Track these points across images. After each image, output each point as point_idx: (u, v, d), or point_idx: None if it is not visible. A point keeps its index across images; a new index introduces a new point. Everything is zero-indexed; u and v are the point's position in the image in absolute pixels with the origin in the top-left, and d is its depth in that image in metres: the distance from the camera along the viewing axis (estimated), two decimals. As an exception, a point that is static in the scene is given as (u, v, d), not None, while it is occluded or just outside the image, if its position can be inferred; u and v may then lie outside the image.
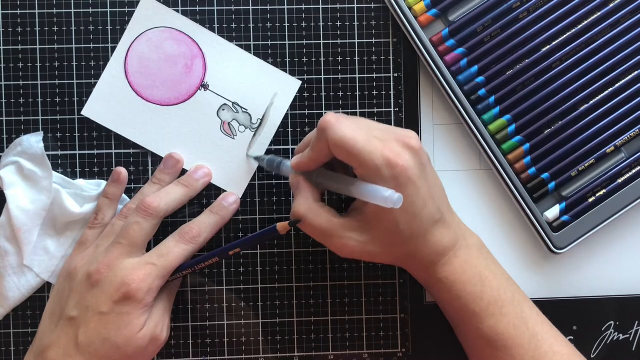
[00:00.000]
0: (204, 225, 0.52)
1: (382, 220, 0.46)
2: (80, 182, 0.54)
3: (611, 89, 0.54)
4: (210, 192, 0.55)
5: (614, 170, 0.55)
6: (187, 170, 0.54)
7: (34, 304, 0.54)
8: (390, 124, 0.55)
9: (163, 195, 0.51)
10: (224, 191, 0.55)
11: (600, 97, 0.54)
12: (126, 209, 0.52)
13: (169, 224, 0.54)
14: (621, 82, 0.54)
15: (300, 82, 0.55)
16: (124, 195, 0.54)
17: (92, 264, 0.49)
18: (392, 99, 0.55)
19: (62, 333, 0.48)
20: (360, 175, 0.46)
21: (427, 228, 0.47)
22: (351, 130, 0.45)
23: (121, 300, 0.47)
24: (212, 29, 0.54)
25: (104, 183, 0.54)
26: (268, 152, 0.55)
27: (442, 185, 0.49)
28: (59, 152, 0.54)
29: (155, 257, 0.49)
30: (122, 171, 0.53)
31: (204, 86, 0.54)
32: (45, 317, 0.51)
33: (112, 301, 0.47)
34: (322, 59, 0.55)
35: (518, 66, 0.54)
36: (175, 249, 0.50)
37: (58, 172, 0.54)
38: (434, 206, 0.47)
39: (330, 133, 0.45)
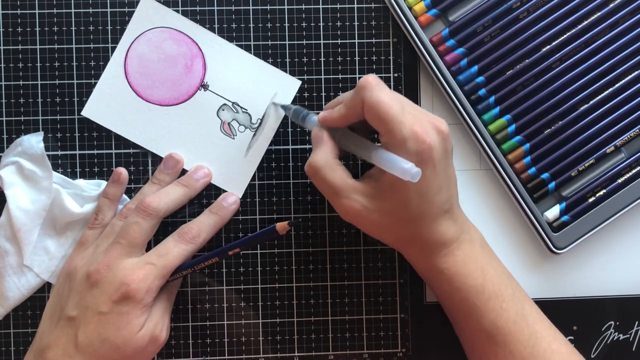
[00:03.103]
0: (203, 225, 0.52)
1: (394, 192, 0.46)
2: (80, 182, 0.54)
3: (611, 89, 0.54)
4: (210, 192, 0.55)
5: (614, 170, 0.55)
6: (187, 170, 0.54)
7: (34, 304, 0.54)
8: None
9: (162, 196, 0.51)
10: (224, 191, 0.55)
11: (600, 97, 0.54)
12: (126, 209, 0.52)
13: (169, 224, 0.54)
14: (621, 82, 0.54)
15: (300, 82, 0.55)
16: (124, 195, 0.54)
17: (92, 264, 0.49)
18: (392, 99, 0.55)
19: (62, 333, 0.48)
20: (384, 143, 0.46)
21: (435, 215, 0.47)
22: (388, 96, 0.45)
23: (120, 300, 0.47)
24: (212, 29, 0.54)
25: (104, 183, 0.54)
26: (268, 152, 0.55)
27: (456, 179, 0.49)
28: (59, 152, 0.54)
29: (154, 257, 0.49)
30: (123, 171, 0.54)
31: (203, 86, 0.54)
32: (45, 317, 0.51)
33: (112, 301, 0.47)
34: (322, 59, 0.55)
35: (518, 66, 0.54)
36: (175, 249, 0.50)
37: (58, 172, 0.54)
38: (446, 195, 0.47)
39: (368, 93, 0.45)
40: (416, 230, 0.47)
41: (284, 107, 0.54)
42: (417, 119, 0.45)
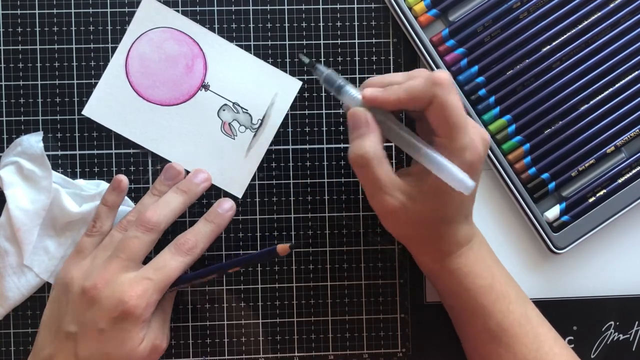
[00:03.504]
0: (200, 235, 0.51)
1: (438, 196, 0.45)
2: (80, 182, 0.54)
3: (611, 89, 0.54)
4: (211, 193, 0.55)
5: (614, 170, 0.55)
6: (188, 172, 0.54)
7: (34, 304, 0.54)
8: (391, 124, 0.55)
9: (163, 208, 0.51)
10: (225, 192, 0.55)
11: (600, 97, 0.55)
12: (125, 221, 0.51)
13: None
14: (621, 82, 0.54)
15: (300, 83, 0.55)
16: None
17: (89, 278, 0.48)
18: (392, 99, 0.55)
19: (61, 347, 0.48)
20: (439, 145, 0.44)
21: (462, 218, 0.47)
22: (459, 101, 0.43)
23: (120, 317, 0.47)
24: (212, 29, 0.54)
25: (103, 183, 0.54)
26: (268, 152, 0.55)
27: None
28: (59, 152, 0.54)
29: (151, 271, 0.48)
30: (123, 179, 0.53)
31: (204, 86, 0.54)
32: (43, 326, 0.50)
33: (111, 318, 0.47)
34: (322, 59, 0.55)
35: (518, 66, 0.54)
36: (172, 262, 0.49)
37: (58, 172, 0.54)
38: (473, 201, 0.48)
39: (443, 92, 0.43)
40: (441, 232, 0.47)
41: (311, 65, 0.49)
42: (475, 129, 0.44)
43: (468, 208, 0.48)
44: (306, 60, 0.49)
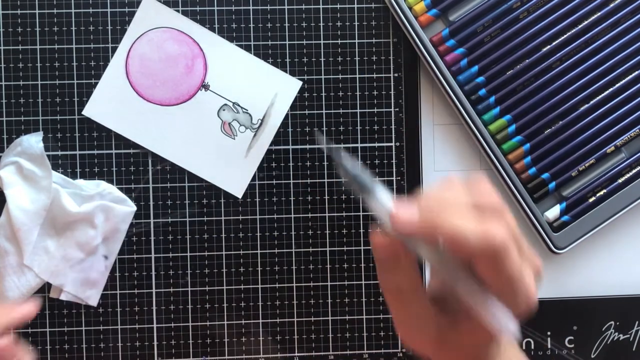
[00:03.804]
0: None
1: (478, 340, 0.37)
2: (80, 182, 0.54)
3: (611, 89, 0.54)
4: (211, 192, 0.55)
5: (614, 170, 0.55)
6: (189, 173, 0.54)
7: (34, 304, 0.54)
8: (390, 124, 0.55)
9: None
10: (224, 191, 0.55)
11: (600, 97, 0.55)
12: None
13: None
14: (621, 82, 0.54)
15: (300, 83, 0.55)
16: (110, 187, 0.54)
17: None
18: (392, 99, 0.55)
19: None
20: (489, 291, 0.35)
21: (500, 351, 0.39)
22: (516, 259, 0.34)
23: None
24: (212, 29, 0.54)
25: (103, 183, 0.54)
26: (268, 152, 0.55)
27: None
28: (59, 152, 0.54)
29: None
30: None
31: (204, 86, 0.54)
32: None
33: None
34: (322, 59, 0.55)
35: (518, 66, 0.54)
36: None
37: (58, 172, 0.54)
38: None
39: (497, 257, 0.32)
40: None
41: (335, 155, 0.35)
42: (528, 273, 0.35)
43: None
44: (324, 143, 0.39)
